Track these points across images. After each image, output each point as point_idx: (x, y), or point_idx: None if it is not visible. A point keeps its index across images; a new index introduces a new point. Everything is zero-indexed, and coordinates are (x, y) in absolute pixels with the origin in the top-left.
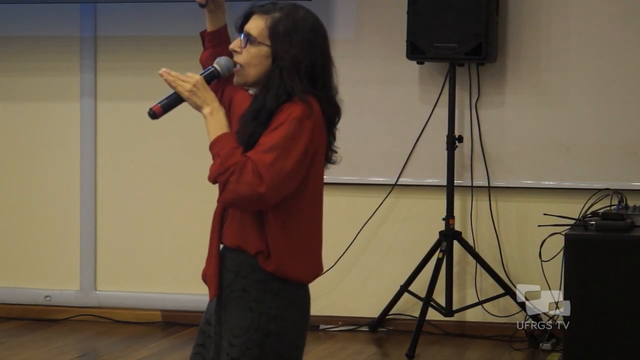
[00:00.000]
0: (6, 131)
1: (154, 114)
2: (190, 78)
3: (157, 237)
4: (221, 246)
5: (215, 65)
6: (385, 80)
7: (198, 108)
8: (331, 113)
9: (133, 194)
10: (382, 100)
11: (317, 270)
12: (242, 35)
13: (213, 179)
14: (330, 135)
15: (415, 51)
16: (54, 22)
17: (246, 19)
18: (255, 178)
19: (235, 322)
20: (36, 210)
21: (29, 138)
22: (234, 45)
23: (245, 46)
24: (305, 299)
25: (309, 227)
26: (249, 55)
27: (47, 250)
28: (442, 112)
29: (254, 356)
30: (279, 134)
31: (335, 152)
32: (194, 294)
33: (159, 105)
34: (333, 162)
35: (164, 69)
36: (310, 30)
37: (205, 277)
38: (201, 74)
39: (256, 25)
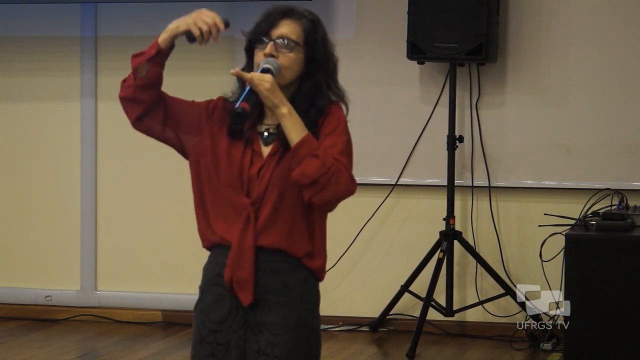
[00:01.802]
0: (6, 131)
1: (244, 111)
2: (266, 77)
3: (157, 237)
4: None
5: (267, 65)
6: (386, 80)
7: (274, 107)
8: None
9: (133, 194)
10: (383, 100)
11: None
12: (276, 39)
13: (313, 180)
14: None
15: (416, 51)
16: (54, 22)
17: (274, 23)
18: (350, 179)
19: (277, 320)
20: (37, 210)
21: (29, 138)
22: (269, 50)
23: (281, 50)
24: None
25: None
26: (288, 60)
27: (47, 250)
28: (443, 112)
29: (302, 352)
30: (343, 139)
31: None
32: (195, 294)
33: (244, 102)
34: None
35: (237, 70)
36: (327, 35)
37: (233, 280)
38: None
39: (293, 30)
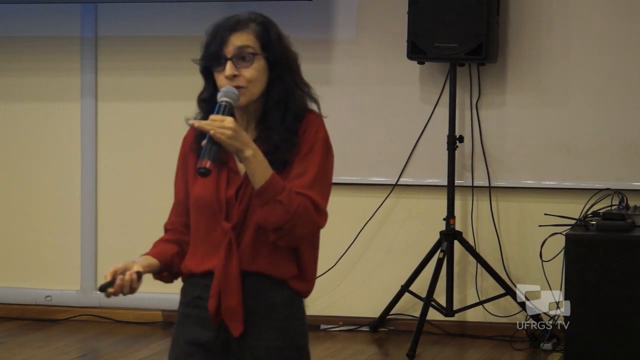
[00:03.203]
0: (6, 131)
1: (207, 171)
2: (224, 122)
3: (157, 237)
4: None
5: (224, 98)
6: (386, 80)
7: (238, 151)
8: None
9: (133, 194)
10: (383, 100)
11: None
12: (232, 57)
13: (277, 227)
14: None
15: (416, 51)
16: (54, 22)
17: (224, 41)
18: (318, 215)
19: (264, 344)
20: (37, 210)
21: (29, 138)
22: (230, 70)
23: (242, 65)
24: None
25: None
26: (251, 73)
27: (47, 250)
28: (443, 112)
29: None
30: (317, 160)
31: None
32: None
33: (206, 160)
34: None
35: (193, 122)
36: (280, 29)
37: (222, 309)
38: (220, 114)
39: (246, 40)
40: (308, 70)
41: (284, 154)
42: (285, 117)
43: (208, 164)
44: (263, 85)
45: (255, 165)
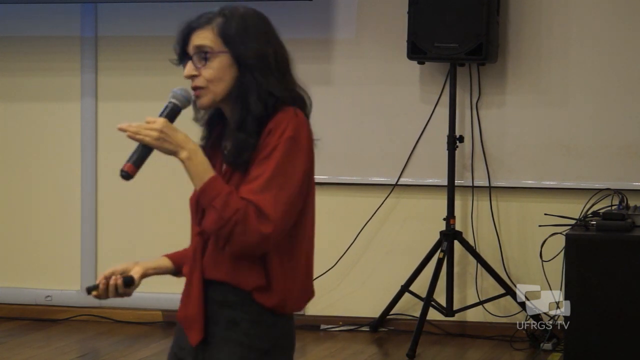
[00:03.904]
0: (6, 131)
1: (127, 175)
2: (153, 124)
3: (157, 237)
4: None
5: (171, 100)
6: (386, 80)
7: (172, 154)
8: (309, 110)
9: (133, 194)
10: (383, 100)
11: (310, 296)
12: (193, 56)
13: (212, 232)
14: None
15: (416, 51)
16: (54, 22)
17: (186, 40)
18: (261, 221)
19: (222, 358)
20: (37, 210)
21: (29, 138)
22: (189, 70)
23: (202, 64)
24: (293, 329)
25: (308, 252)
26: (212, 71)
27: (47, 250)
28: (443, 112)
29: None
30: (273, 163)
31: None
32: None
33: (129, 163)
34: None
35: (120, 125)
36: (260, 22)
37: (182, 319)
38: (161, 115)
39: (205, 37)
40: (308, 70)
41: (241, 156)
42: (246, 120)
43: (128, 168)
44: (228, 84)
45: (191, 168)
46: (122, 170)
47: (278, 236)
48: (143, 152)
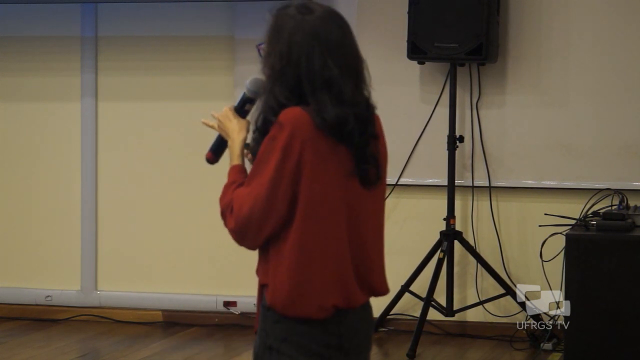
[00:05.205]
0: (6, 131)
1: (208, 161)
2: (219, 113)
3: (158, 237)
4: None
5: (245, 90)
6: (386, 80)
7: (227, 139)
8: (332, 124)
9: (134, 194)
10: (383, 100)
11: (342, 301)
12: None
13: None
14: (351, 147)
15: (416, 51)
16: (54, 22)
17: None
18: (229, 216)
19: (254, 346)
20: (37, 210)
21: (29, 138)
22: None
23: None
24: (311, 336)
25: (322, 254)
26: (267, 69)
27: (47, 250)
28: (443, 112)
29: None
30: (254, 164)
31: (366, 166)
32: (195, 294)
33: (209, 151)
34: (365, 181)
35: (204, 119)
36: (294, 31)
37: None
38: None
39: (264, 36)
40: None
41: (255, 152)
42: (258, 118)
43: (207, 155)
44: None
45: (230, 155)
46: (206, 157)
47: (244, 232)
48: (217, 139)
